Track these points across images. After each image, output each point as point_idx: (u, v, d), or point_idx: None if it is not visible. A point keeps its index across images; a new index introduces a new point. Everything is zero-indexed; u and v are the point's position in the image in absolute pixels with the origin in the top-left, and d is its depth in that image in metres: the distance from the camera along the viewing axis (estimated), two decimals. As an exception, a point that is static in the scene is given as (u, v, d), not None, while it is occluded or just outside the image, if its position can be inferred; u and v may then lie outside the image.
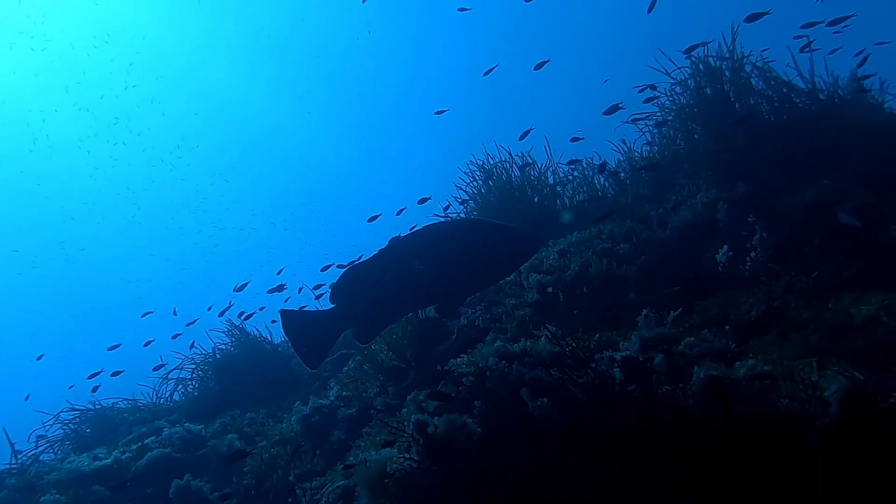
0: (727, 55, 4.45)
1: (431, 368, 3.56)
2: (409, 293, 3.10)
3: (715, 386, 2.18)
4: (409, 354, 3.80)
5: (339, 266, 5.83)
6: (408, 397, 3.10)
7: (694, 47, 4.57)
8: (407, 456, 2.59)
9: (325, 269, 6.56)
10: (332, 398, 4.06)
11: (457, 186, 5.29)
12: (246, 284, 8.02)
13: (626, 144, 5.39)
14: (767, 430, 1.98)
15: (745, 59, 4.41)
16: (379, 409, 3.67)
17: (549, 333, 2.94)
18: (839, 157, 3.59)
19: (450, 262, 3.04)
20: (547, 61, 7.51)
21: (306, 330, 3.18)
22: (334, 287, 3.17)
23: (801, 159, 3.74)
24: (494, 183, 5.15)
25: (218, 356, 5.15)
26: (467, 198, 5.23)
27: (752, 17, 4.71)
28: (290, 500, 3.19)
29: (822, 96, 4.22)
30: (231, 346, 5.20)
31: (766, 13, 4.70)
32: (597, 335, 3.09)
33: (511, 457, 2.47)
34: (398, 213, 7.79)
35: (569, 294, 3.49)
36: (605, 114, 5.76)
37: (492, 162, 5.26)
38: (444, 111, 9.66)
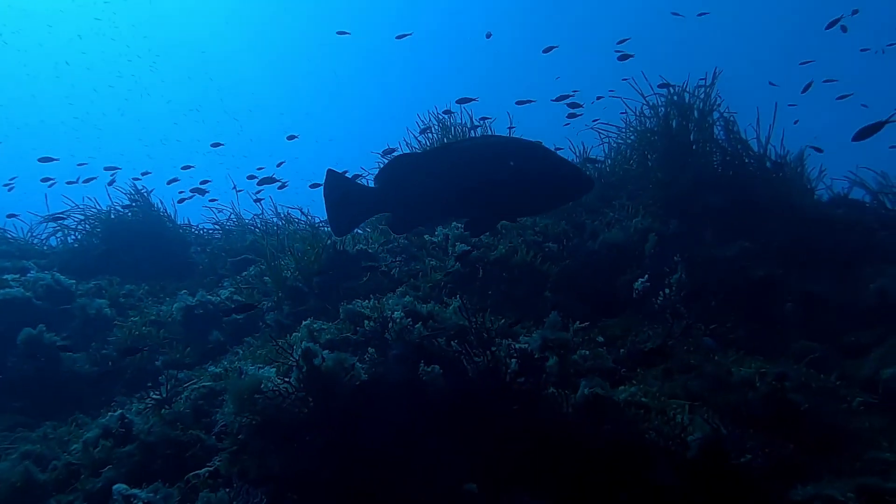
0: (702, 95, 4.56)
1: (335, 301, 3.49)
2: (450, 197, 2.99)
3: (595, 403, 2.29)
4: (315, 280, 3.70)
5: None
6: (303, 322, 3.02)
7: (666, 84, 4.65)
8: (286, 380, 2.54)
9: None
10: (222, 297, 3.90)
11: (410, 132, 5.14)
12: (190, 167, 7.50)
13: (583, 146, 5.42)
14: (630, 456, 2.11)
15: (715, 106, 4.55)
16: (269, 323, 3.57)
17: (460, 304, 2.96)
18: (764, 224, 3.81)
19: (496, 180, 2.91)
20: (555, 47, 7.37)
21: (345, 195, 3.10)
22: (382, 169, 3.12)
23: (733, 215, 3.94)
24: (448, 142, 5.04)
25: (112, 216, 4.77)
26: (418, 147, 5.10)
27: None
28: (149, 383, 3.05)
29: (768, 164, 4.44)
30: (129, 211, 4.82)
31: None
32: (503, 321, 3.15)
33: (387, 412, 2.49)
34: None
35: (489, 273, 3.52)
36: (568, 116, 5.84)
37: (452, 121, 5.14)
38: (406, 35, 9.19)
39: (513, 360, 2.57)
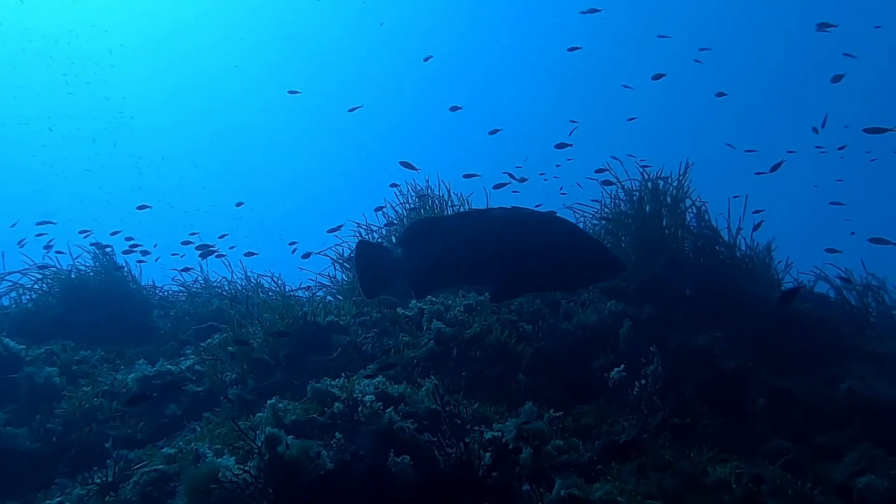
0: (675, 183, 4.72)
1: (302, 376, 3.37)
2: (470, 264, 3.06)
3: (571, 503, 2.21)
4: (282, 354, 3.58)
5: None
6: (268, 401, 2.89)
7: (647, 168, 4.82)
8: (245, 468, 2.39)
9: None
10: (182, 368, 3.73)
11: (388, 203, 5.17)
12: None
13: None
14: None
15: (687, 193, 4.70)
16: (231, 399, 3.41)
17: (432, 387, 2.88)
18: (734, 313, 3.87)
19: (521, 251, 2.96)
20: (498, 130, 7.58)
21: (373, 261, 3.26)
22: (404, 231, 3.26)
23: (704, 302, 4.00)
24: (426, 213, 5.08)
25: (73, 276, 4.58)
26: (395, 221, 5.11)
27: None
28: (95, 466, 2.84)
29: (738, 253, 4.56)
30: (92, 270, 4.64)
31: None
32: (476, 404, 3.08)
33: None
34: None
35: (463, 352, 3.46)
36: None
37: (430, 191, 5.20)
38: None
39: (487, 452, 2.49)
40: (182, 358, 3.94)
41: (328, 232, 5.18)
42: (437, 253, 3.07)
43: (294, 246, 6.05)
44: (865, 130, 5.75)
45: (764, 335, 3.60)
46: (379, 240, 5.09)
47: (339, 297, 4.81)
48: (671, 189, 4.65)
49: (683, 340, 3.60)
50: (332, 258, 4.94)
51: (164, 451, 2.82)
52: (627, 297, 4.04)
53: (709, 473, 2.53)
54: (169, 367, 3.68)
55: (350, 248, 5.02)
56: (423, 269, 3.12)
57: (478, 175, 5.82)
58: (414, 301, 4.07)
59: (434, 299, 4.02)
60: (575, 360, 3.60)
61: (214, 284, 5.07)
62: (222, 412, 3.28)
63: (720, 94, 9.13)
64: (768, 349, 3.53)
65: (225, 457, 2.37)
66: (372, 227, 5.17)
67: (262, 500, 2.34)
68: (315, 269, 5.03)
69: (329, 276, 4.97)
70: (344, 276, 4.92)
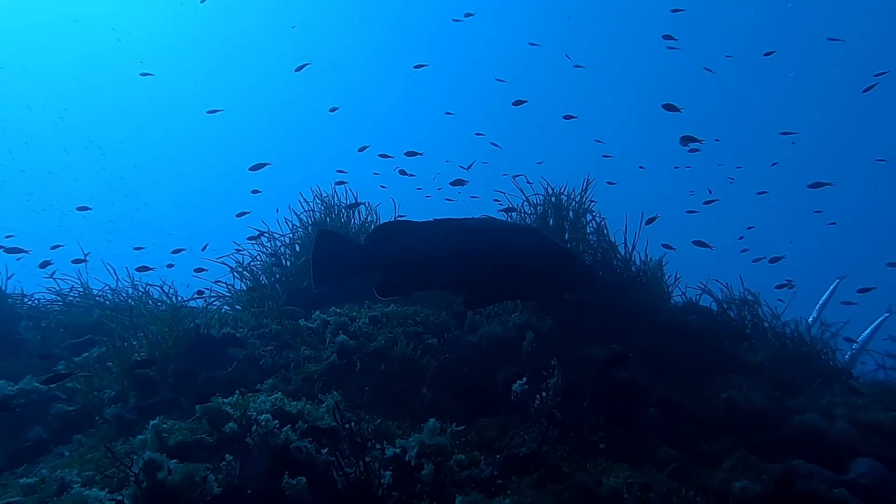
0: (577, 198, 4.90)
1: (191, 394, 3.13)
2: (441, 269, 3.06)
3: (473, 522, 2.18)
4: (170, 368, 3.32)
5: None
6: (151, 422, 2.65)
7: (550, 189, 4.98)
8: (118, 498, 2.17)
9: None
10: (52, 386, 3.35)
11: (292, 210, 4.98)
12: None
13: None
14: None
15: (588, 210, 4.90)
16: (108, 419, 3.10)
17: (333, 404, 2.77)
18: (630, 326, 4.05)
19: (479, 257, 2.99)
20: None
21: (333, 249, 3.18)
22: (375, 229, 3.24)
23: (602, 315, 4.16)
24: (332, 221, 4.94)
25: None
26: (299, 226, 4.93)
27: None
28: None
29: (633, 268, 4.80)
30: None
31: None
32: (378, 420, 3.00)
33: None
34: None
35: (366, 366, 3.37)
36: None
37: (335, 201, 5.07)
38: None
39: (387, 471, 2.42)
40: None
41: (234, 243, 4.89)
42: (410, 252, 3.06)
43: (181, 252, 5.71)
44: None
45: (656, 347, 3.79)
46: (281, 248, 4.88)
47: (238, 307, 4.56)
48: (573, 204, 4.83)
49: (583, 353, 3.71)
50: (230, 266, 4.67)
51: (21, 480, 2.50)
52: (531, 310, 4.12)
53: (603, 484, 2.60)
54: (35, 384, 3.30)
55: (249, 256, 4.78)
56: (397, 265, 3.08)
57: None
58: (317, 312, 3.92)
59: (338, 310, 3.90)
60: (479, 373, 3.61)
61: (96, 293, 4.63)
62: (97, 434, 2.97)
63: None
64: (660, 360, 3.72)
65: (94, 488, 2.13)
66: (275, 234, 4.96)
67: (138, 532, 2.13)
68: (212, 279, 4.72)
69: (227, 284, 4.70)
70: (243, 284, 4.67)
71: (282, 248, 4.89)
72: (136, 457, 2.23)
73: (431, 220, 3.18)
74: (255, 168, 5.97)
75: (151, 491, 2.17)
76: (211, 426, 2.69)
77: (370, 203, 5.09)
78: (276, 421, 2.51)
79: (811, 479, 2.45)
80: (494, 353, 3.75)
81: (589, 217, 4.85)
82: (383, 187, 7.79)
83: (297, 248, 4.88)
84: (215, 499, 2.27)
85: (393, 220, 3.28)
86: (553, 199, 4.89)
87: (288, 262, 4.91)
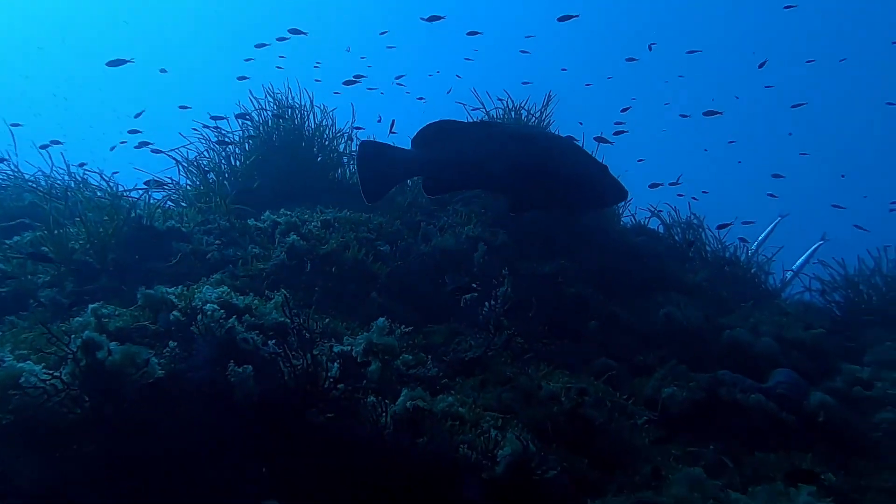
0: (537, 115, 4.82)
1: (133, 283, 3.03)
2: (490, 174, 3.09)
3: (416, 416, 2.25)
4: (110, 257, 3.19)
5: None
6: (90, 305, 2.56)
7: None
8: (55, 374, 2.12)
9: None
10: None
11: (242, 109, 4.71)
12: None
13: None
14: (442, 472, 2.10)
15: (546, 125, 4.85)
16: (43, 302, 2.99)
17: (282, 300, 2.74)
18: (580, 244, 4.13)
19: (529, 167, 3.02)
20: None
21: (379, 161, 3.19)
22: (420, 132, 3.19)
23: (552, 234, 4.22)
24: (285, 123, 4.71)
25: None
26: (251, 126, 4.68)
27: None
28: None
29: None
30: None
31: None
32: (327, 320, 3.00)
33: (184, 418, 2.21)
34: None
35: (316, 268, 3.33)
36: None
37: (290, 100, 4.82)
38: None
39: (334, 364, 2.44)
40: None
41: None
42: (455, 154, 3.07)
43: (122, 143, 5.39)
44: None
45: (604, 265, 3.90)
46: (232, 148, 4.66)
47: (183, 204, 4.38)
48: (533, 120, 4.76)
49: (533, 268, 3.78)
50: (176, 160, 4.44)
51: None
52: (484, 223, 4.13)
53: (542, 388, 2.72)
54: (-39, 267, 3.12)
55: (196, 152, 4.55)
56: (442, 166, 3.09)
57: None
58: (267, 213, 3.82)
59: (288, 213, 3.80)
60: (430, 282, 3.64)
61: (28, 178, 4.34)
62: (31, 317, 2.87)
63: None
64: (606, 277, 3.84)
65: (28, 362, 2.07)
66: (223, 130, 4.71)
67: (75, 407, 2.10)
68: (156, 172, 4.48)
69: (171, 180, 4.47)
70: (188, 181, 4.47)
71: (230, 147, 4.67)
72: (74, 336, 2.16)
73: (477, 121, 3.17)
74: (113, 64, 5.54)
75: (90, 369, 2.12)
76: (154, 314, 2.62)
77: (325, 105, 4.87)
78: (223, 311, 2.47)
79: (734, 387, 2.63)
80: (445, 265, 3.77)
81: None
82: (337, 93, 7.45)
83: (248, 147, 4.67)
84: (157, 382, 2.25)
85: (436, 122, 3.22)
86: (512, 113, 4.80)
87: (237, 162, 4.71)
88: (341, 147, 4.95)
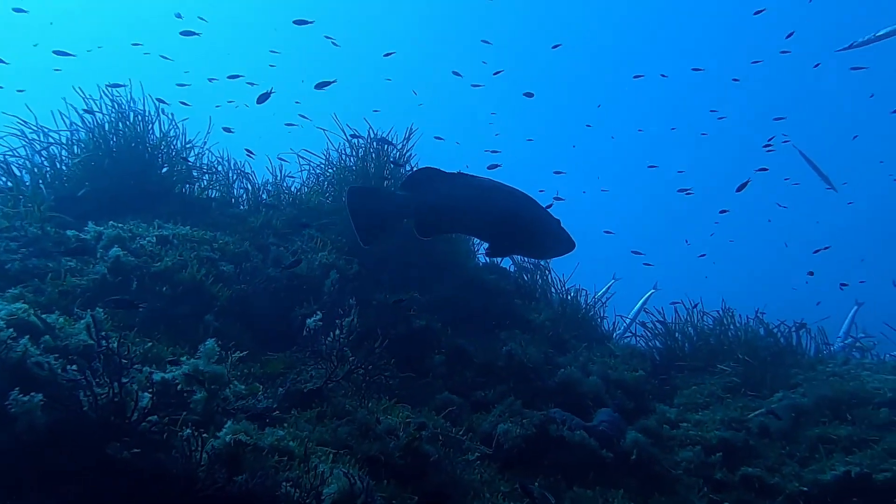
0: (399, 146, 4.87)
1: None
2: (469, 220, 3.34)
3: (237, 451, 2.07)
4: None
5: None
6: None
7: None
8: None
9: None
10: None
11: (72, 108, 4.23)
12: None
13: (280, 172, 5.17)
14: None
15: (408, 158, 4.91)
16: None
17: (90, 320, 2.43)
18: (434, 279, 4.17)
19: (500, 216, 3.28)
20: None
21: (368, 205, 3.38)
22: (410, 176, 3.46)
23: (407, 266, 4.22)
24: (127, 129, 4.28)
25: None
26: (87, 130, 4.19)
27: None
28: None
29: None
30: None
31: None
32: (150, 343, 2.71)
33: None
34: None
35: (145, 286, 3.02)
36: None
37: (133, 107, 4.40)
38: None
39: (146, 393, 2.18)
40: None
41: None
42: (442, 201, 3.29)
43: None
44: None
45: (456, 299, 3.97)
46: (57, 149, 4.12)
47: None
48: (395, 151, 4.79)
49: (384, 298, 3.74)
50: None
51: None
52: (339, 251, 4.04)
53: (381, 422, 2.65)
54: None
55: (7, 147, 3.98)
56: (433, 210, 3.30)
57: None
58: (91, 224, 3.41)
59: (119, 225, 3.43)
60: (276, 307, 3.46)
61: None
62: None
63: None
64: (457, 312, 3.90)
65: None
66: (47, 130, 4.17)
67: None
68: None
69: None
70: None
71: (55, 148, 4.14)
72: None
73: (456, 172, 3.41)
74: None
75: None
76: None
77: (173, 114, 4.53)
78: (12, 330, 2.12)
79: (562, 424, 2.76)
80: (295, 289, 3.61)
81: (408, 168, 4.84)
82: (184, 104, 7.02)
83: (76, 150, 4.17)
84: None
85: (424, 168, 3.45)
86: (375, 144, 4.79)
87: (64, 166, 4.18)
88: (191, 158, 4.62)
